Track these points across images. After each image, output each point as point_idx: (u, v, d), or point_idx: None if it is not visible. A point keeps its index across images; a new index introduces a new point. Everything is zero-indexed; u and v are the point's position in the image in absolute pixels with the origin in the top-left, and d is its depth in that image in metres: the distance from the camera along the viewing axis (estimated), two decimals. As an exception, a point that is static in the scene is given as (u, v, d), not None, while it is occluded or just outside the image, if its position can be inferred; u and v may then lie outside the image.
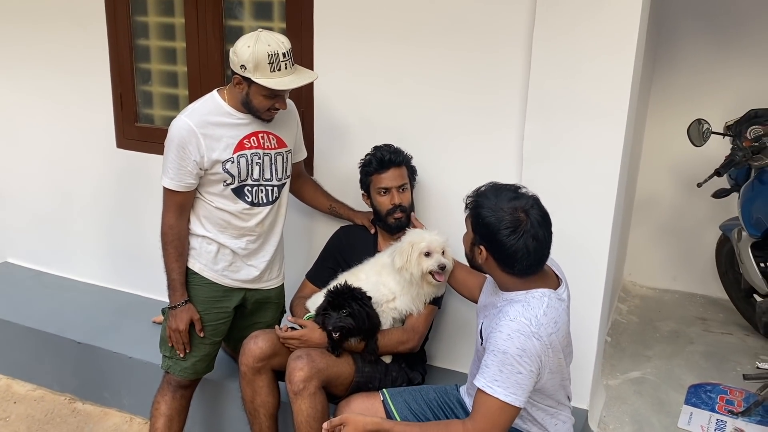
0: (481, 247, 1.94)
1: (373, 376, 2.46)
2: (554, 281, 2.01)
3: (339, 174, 2.97)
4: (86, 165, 3.63)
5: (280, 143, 2.57)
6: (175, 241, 2.48)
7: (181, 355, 2.55)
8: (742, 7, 3.78)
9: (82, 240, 3.79)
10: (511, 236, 1.85)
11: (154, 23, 3.32)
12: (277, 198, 2.60)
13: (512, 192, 1.93)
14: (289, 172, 2.64)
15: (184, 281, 2.52)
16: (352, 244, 2.76)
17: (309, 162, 3.00)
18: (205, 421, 2.98)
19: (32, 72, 3.64)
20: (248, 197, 2.51)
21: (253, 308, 2.72)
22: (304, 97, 2.96)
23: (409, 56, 2.75)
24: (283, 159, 2.58)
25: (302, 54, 2.88)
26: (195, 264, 2.55)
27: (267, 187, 2.55)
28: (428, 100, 2.77)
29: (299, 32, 2.89)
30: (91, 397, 3.28)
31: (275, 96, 2.38)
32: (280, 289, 2.81)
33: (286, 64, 2.33)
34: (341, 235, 2.82)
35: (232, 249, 2.56)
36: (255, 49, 2.28)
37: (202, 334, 2.55)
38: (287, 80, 2.34)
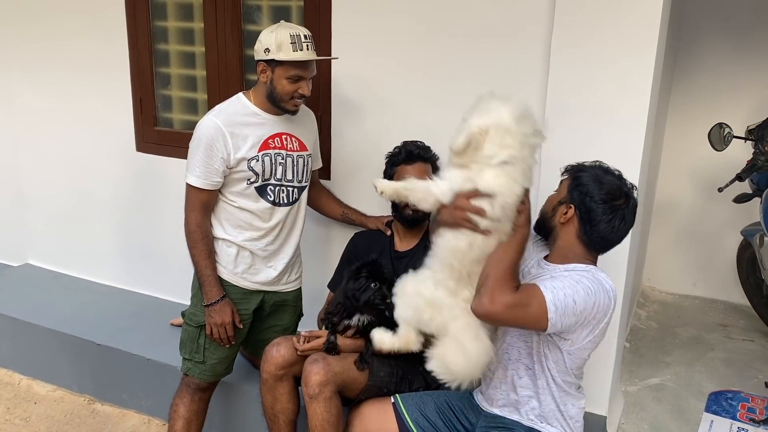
0: (572, 206, 1.98)
1: (389, 380, 2.45)
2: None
3: (355, 177, 2.98)
4: (106, 168, 3.67)
5: (302, 146, 2.61)
6: (205, 238, 2.50)
7: (227, 347, 2.58)
8: (763, 10, 3.74)
9: (101, 242, 3.83)
10: (605, 205, 1.93)
11: (174, 28, 3.35)
12: (297, 199, 2.64)
13: (617, 175, 2.01)
14: (309, 176, 2.68)
15: (218, 277, 2.54)
16: (367, 248, 2.76)
17: (326, 164, 3.01)
18: (223, 424, 3.00)
19: (53, 76, 3.70)
20: (270, 196, 2.55)
21: (271, 311, 2.74)
22: (321, 101, 2.97)
23: (427, 62, 2.75)
24: (304, 162, 2.62)
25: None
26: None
27: (288, 188, 2.59)
28: (446, 104, 2.75)
29: (317, 37, 2.89)
30: (110, 399, 3.31)
31: (298, 79, 2.42)
32: (298, 293, 2.82)
33: (307, 45, 2.41)
34: (356, 241, 2.83)
35: (252, 251, 2.58)
36: (278, 32, 2.38)
37: (241, 326, 2.57)
38: (309, 56, 2.42)
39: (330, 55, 2.90)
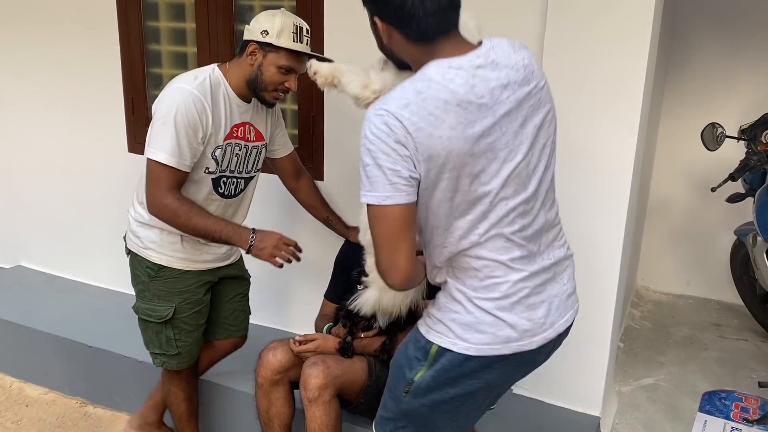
0: (377, 19, 1.67)
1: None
2: (466, 48, 1.61)
3: (350, 177, 2.96)
4: (98, 169, 3.65)
5: (258, 136, 2.47)
6: (193, 203, 2.26)
7: (298, 260, 2.34)
8: (756, 10, 3.75)
9: (94, 244, 3.80)
10: None
11: (166, 28, 3.33)
12: (242, 191, 2.51)
13: None
14: (259, 166, 2.55)
15: (232, 223, 2.31)
16: (359, 256, 2.72)
17: (319, 165, 3.00)
18: (217, 428, 2.97)
19: (45, 77, 3.67)
20: (221, 188, 2.42)
21: (219, 282, 2.59)
22: (314, 101, 2.97)
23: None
24: (257, 152, 2.50)
25: (313, 58, 2.88)
26: (162, 258, 2.42)
27: (237, 179, 2.46)
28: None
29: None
30: (102, 401, 3.29)
31: (289, 71, 2.28)
32: (240, 262, 2.68)
33: (307, 40, 2.31)
34: (348, 249, 2.77)
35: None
36: (282, 17, 2.24)
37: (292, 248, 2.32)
38: (309, 49, 2.31)
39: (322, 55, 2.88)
